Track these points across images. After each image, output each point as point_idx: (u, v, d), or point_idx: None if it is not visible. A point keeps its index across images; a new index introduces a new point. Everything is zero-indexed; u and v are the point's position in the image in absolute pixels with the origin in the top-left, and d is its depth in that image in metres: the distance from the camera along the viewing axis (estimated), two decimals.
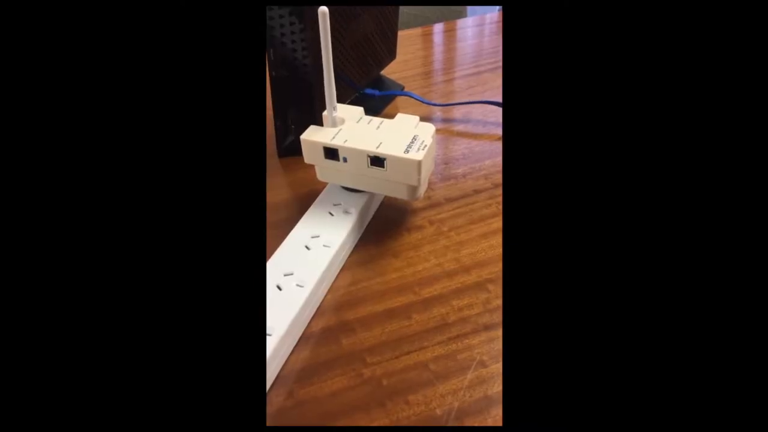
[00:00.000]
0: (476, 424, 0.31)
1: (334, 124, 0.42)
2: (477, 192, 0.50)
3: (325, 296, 0.40)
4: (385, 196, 0.49)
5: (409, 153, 0.38)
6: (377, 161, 0.40)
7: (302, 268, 0.38)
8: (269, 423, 0.31)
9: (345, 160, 0.41)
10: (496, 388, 0.32)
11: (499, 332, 0.36)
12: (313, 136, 0.41)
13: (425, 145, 0.39)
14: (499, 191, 0.50)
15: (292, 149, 0.56)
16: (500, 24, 0.95)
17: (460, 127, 0.61)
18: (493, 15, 1.00)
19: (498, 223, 0.46)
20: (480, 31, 0.94)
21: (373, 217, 0.47)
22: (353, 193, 0.45)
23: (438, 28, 0.97)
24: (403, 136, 0.40)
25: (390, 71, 0.69)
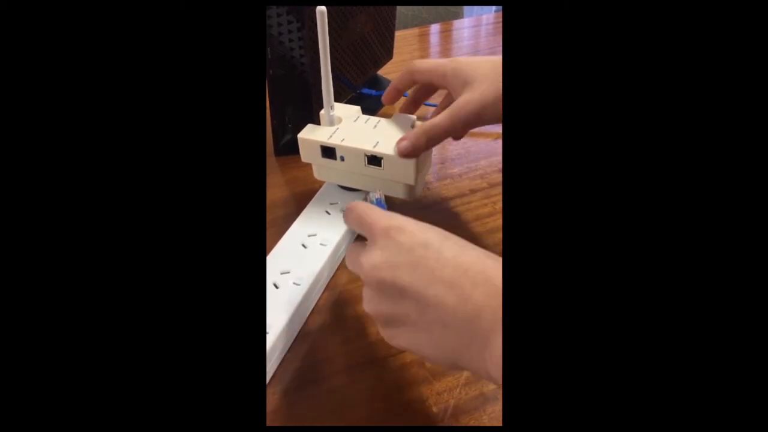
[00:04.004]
0: (472, 422, 0.31)
1: (331, 123, 0.42)
2: (473, 191, 0.50)
3: (322, 294, 0.40)
4: None
5: None
6: (374, 160, 0.40)
7: (299, 266, 0.38)
8: (266, 421, 0.31)
9: (342, 158, 0.41)
10: (492, 385, 0.32)
11: None
12: (310, 134, 0.41)
13: None
14: (495, 191, 0.50)
15: (289, 148, 0.56)
16: (496, 25, 0.96)
17: None
18: (489, 16, 1.00)
19: (494, 222, 0.46)
20: (476, 32, 0.95)
21: None
22: (350, 192, 0.45)
23: (435, 28, 0.97)
24: (399, 135, 0.41)
25: (387, 71, 0.70)
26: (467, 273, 0.24)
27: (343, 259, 0.43)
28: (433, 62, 0.41)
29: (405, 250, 0.25)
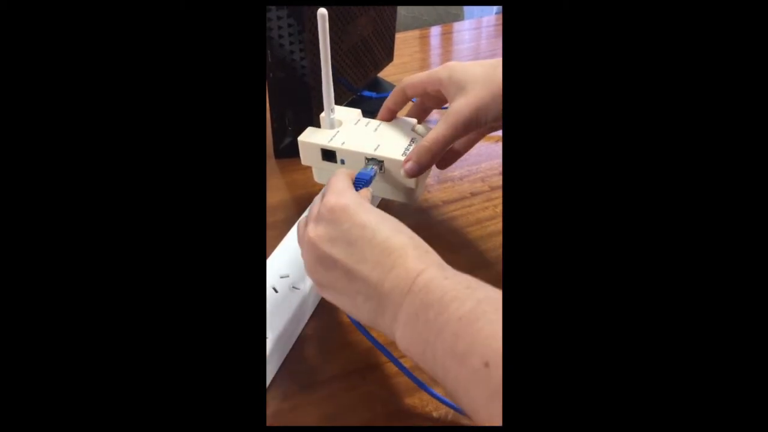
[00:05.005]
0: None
1: (331, 126, 0.42)
2: (474, 195, 0.50)
3: (321, 298, 0.39)
4: (382, 199, 0.49)
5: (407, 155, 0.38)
6: (375, 163, 0.40)
7: (298, 270, 0.38)
8: (267, 425, 0.31)
9: (343, 162, 0.41)
10: None
11: None
12: (310, 137, 0.41)
13: None
14: (496, 194, 0.50)
15: (289, 151, 0.56)
16: (497, 27, 0.96)
17: None
18: (489, 18, 1.00)
19: (494, 225, 0.46)
20: (477, 34, 0.94)
21: None
22: None
23: (435, 30, 0.97)
24: (400, 138, 0.40)
25: (387, 73, 0.69)
26: (390, 256, 0.28)
27: None
28: (425, 73, 0.41)
29: (344, 228, 0.29)
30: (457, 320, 0.23)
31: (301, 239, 0.32)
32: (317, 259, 0.30)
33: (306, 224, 0.32)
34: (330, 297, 0.31)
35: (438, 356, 0.24)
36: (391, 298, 0.27)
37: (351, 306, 0.29)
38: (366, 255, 0.28)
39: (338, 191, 0.31)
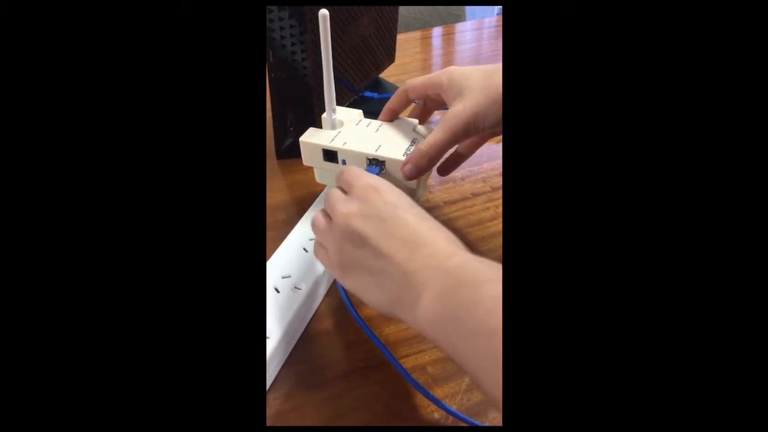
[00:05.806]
0: None
1: (333, 127, 0.42)
2: (475, 195, 0.50)
3: (323, 298, 0.39)
4: None
5: None
6: (376, 164, 0.40)
7: (300, 270, 0.38)
8: (268, 425, 0.31)
9: (344, 162, 0.41)
10: None
11: None
12: (311, 138, 0.41)
13: None
14: (497, 194, 0.50)
15: (290, 151, 0.56)
16: (498, 28, 0.96)
17: None
18: (491, 19, 1.00)
19: (495, 226, 0.46)
20: (478, 35, 0.94)
21: None
22: None
23: (437, 31, 0.97)
24: (402, 139, 0.40)
25: (389, 74, 0.69)
26: (418, 238, 0.29)
27: None
28: (427, 76, 0.41)
29: (377, 206, 0.30)
30: (491, 299, 0.23)
31: (320, 226, 0.32)
32: (347, 237, 0.30)
33: (333, 205, 0.32)
34: (351, 280, 0.31)
35: (465, 333, 0.24)
36: (417, 274, 0.27)
37: (374, 287, 0.29)
38: (395, 232, 0.29)
39: (366, 174, 0.33)
